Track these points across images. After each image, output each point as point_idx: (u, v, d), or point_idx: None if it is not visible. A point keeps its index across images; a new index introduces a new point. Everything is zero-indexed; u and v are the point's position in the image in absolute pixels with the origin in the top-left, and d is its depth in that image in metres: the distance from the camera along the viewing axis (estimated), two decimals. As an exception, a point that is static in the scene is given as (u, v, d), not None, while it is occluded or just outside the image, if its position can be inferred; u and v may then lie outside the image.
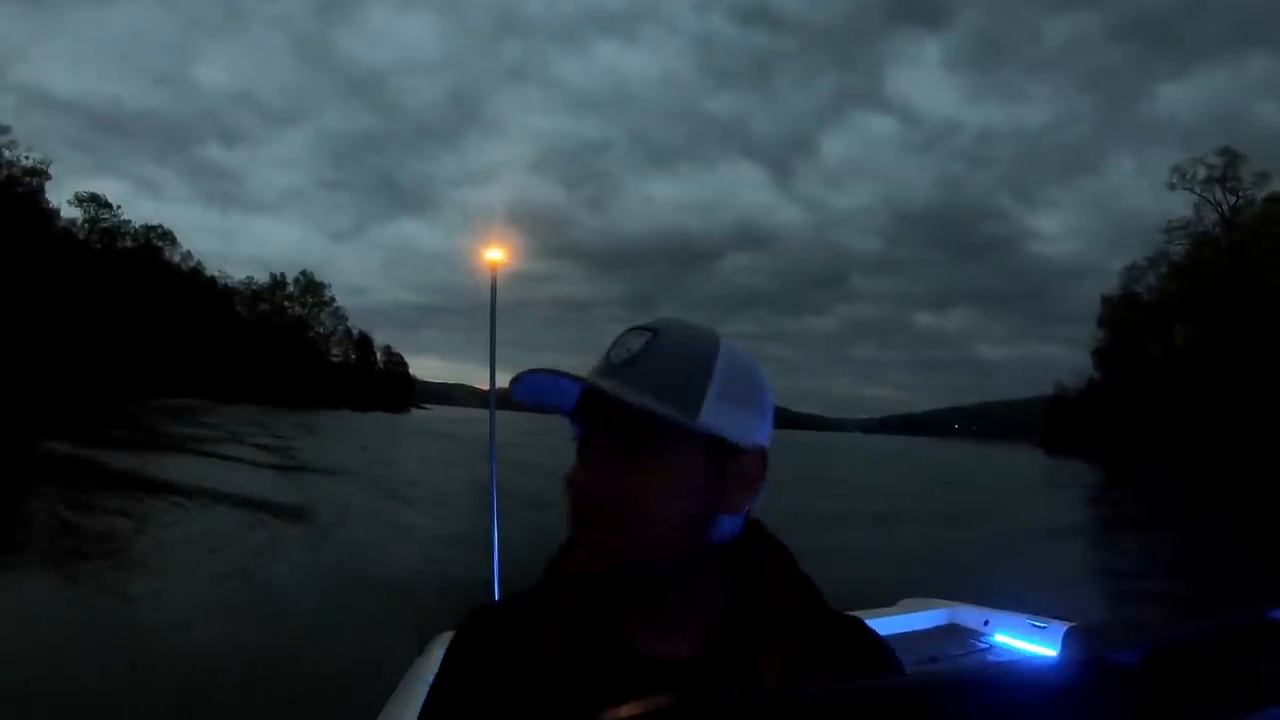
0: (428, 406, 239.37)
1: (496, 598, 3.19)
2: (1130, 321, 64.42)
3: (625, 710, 0.37)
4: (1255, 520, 21.77)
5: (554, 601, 0.81)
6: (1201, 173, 62.13)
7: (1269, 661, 0.45)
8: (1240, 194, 59.84)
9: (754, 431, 0.79)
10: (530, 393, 0.80)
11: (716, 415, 0.76)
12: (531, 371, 0.78)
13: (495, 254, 4.03)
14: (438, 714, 0.81)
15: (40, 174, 76.62)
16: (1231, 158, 60.73)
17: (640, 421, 0.74)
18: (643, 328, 0.80)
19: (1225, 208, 60.55)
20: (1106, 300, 68.83)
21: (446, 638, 2.12)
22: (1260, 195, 58.09)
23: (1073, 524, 20.10)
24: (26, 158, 75.10)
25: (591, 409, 0.78)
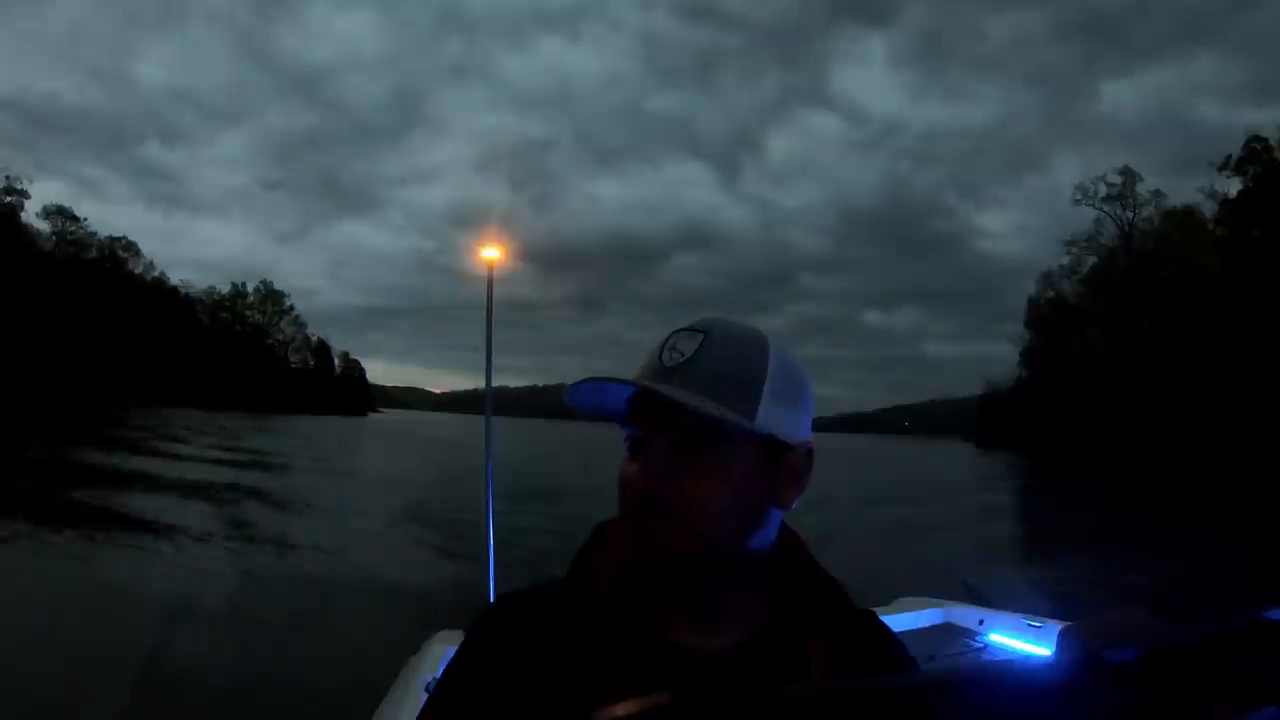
0: (384, 410, 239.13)
1: (492, 596, 3.54)
2: (1048, 324, 69.28)
3: (622, 709, 0.38)
4: (1158, 511, 22.66)
5: (588, 592, 0.82)
6: (1102, 190, 67.95)
7: (1265, 661, 0.45)
8: (1136, 210, 65.78)
9: (802, 428, 0.81)
10: (584, 400, 0.81)
11: (770, 415, 0.77)
12: (584, 381, 0.78)
13: (491, 252, 4.04)
14: (458, 698, 0.80)
15: (19, 193, 79.09)
16: (1129, 176, 66.75)
17: (699, 424, 0.74)
18: (693, 329, 0.79)
19: (1125, 223, 66.34)
20: (1032, 302, 73.71)
21: (443, 636, 2.88)
22: (1153, 210, 64.14)
23: (991, 510, 21.37)
24: (6, 178, 78.40)
25: (648, 411, 0.77)
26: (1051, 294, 71.16)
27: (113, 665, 5.70)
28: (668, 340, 0.79)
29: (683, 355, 0.77)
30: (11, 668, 5.47)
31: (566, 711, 0.71)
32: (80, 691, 5.20)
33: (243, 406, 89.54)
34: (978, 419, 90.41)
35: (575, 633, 0.78)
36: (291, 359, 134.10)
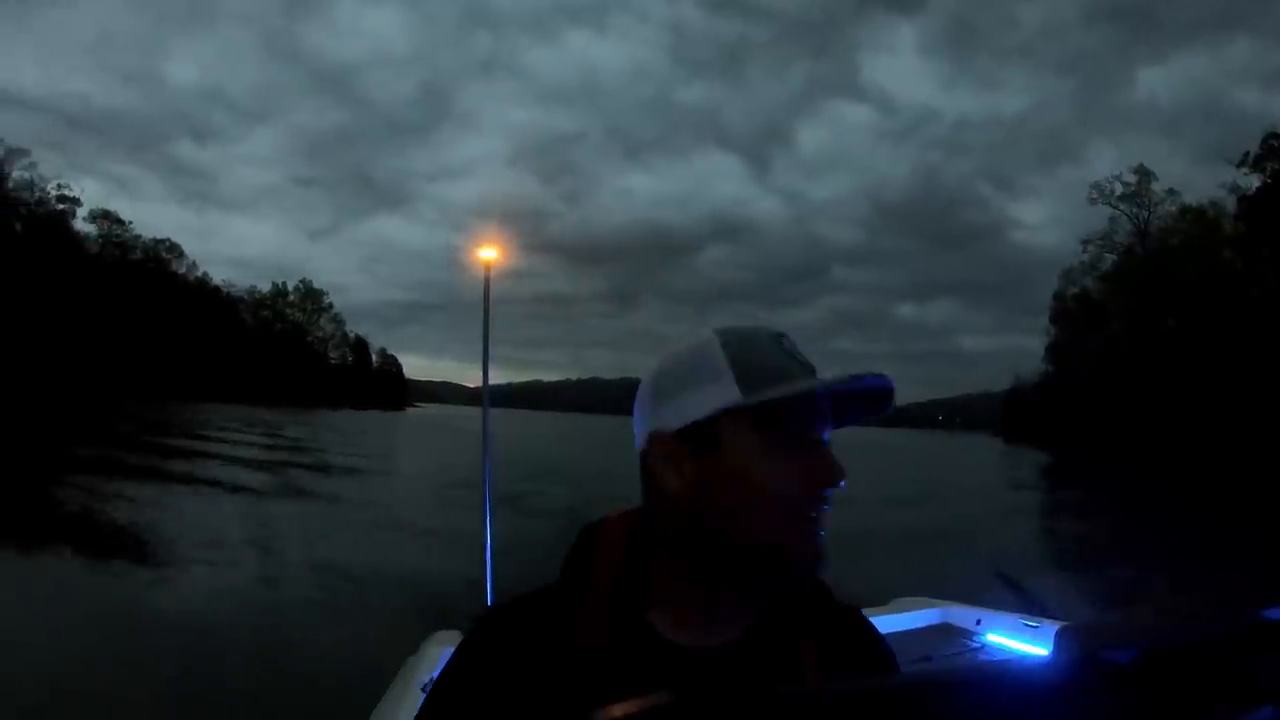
0: (421, 405, 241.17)
1: (490, 595, 3.69)
2: (1072, 320, 69.52)
3: (620, 709, 0.38)
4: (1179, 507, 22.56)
5: (583, 592, 0.81)
6: (1118, 189, 68.18)
7: (1262, 661, 0.45)
8: (1151, 209, 66.37)
9: None
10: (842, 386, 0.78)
11: None
12: (842, 380, 0.77)
13: (489, 253, 4.05)
14: (454, 701, 0.79)
15: (72, 200, 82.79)
16: (1144, 175, 67.07)
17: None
18: (778, 333, 0.82)
19: (1141, 222, 66.90)
20: (1056, 298, 73.84)
21: (441, 636, 2.95)
22: (1169, 209, 64.48)
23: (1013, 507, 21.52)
24: (59, 186, 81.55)
25: (842, 407, 0.81)
26: (1074, 290, 71.64)
27: (111, 664, 5.75)
28: (791, 344, 0.81)
29: (806, 357, 0.81)
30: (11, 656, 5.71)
31: (565, 713, 0.72)
32: (74, 688, 5.23)
33: (284, 402, 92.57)
34: (1003, 414, 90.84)
35: (571, 634, 0.78)
36: (331, 355, 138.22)
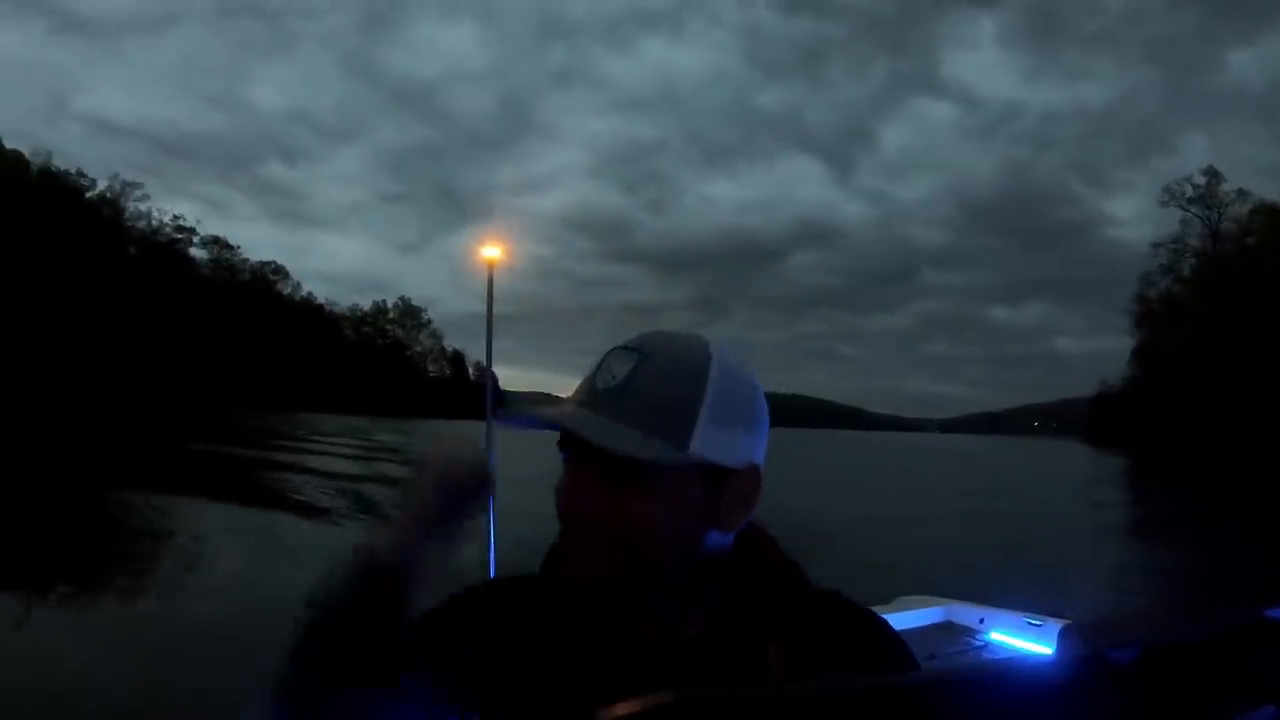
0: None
1: None
2: (1155, 322, 69.31)
3: (622, 708, 0.37)
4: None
5: (557, 586, 0.80)
6: (1189, 191, 68.16)
7: (1265, 660, 0.45)
8: (1221, 210, 66.04)
9: (747, 450, 0.77)
10: (518, 421, 0.81)
11: (708, 441, 0.73)
12: (512, 415, 0.80)
13: (492, 251, 3.97)
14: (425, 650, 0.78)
15: (189, 231, 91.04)
16: (1213, 177, 67.13)
17: (625, 459, 0.71)
18: (628, 348, 0.76)
19: (1212, 223, 66.61)
20: (1138, 299, 73.15)
21: None
22: (1239, 210, 64.38)
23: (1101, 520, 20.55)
24: (175, 217, 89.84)
25: (577, 439, 0.74)
26: (1154, 293, 71.31)
27: (112, 662, 5.77)
28: (605, 360, 0.77)
29: (614, 378, 0.74)
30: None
31: (535, 704, 0.72)
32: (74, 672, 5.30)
33: (385, 412, 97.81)
34: (1090, 418, 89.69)
35: (542, 624, 0.79)
36: (430, 369, 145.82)
